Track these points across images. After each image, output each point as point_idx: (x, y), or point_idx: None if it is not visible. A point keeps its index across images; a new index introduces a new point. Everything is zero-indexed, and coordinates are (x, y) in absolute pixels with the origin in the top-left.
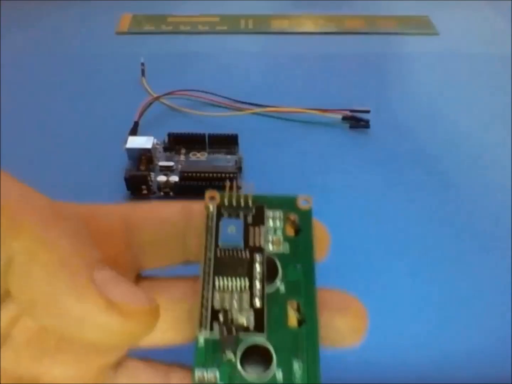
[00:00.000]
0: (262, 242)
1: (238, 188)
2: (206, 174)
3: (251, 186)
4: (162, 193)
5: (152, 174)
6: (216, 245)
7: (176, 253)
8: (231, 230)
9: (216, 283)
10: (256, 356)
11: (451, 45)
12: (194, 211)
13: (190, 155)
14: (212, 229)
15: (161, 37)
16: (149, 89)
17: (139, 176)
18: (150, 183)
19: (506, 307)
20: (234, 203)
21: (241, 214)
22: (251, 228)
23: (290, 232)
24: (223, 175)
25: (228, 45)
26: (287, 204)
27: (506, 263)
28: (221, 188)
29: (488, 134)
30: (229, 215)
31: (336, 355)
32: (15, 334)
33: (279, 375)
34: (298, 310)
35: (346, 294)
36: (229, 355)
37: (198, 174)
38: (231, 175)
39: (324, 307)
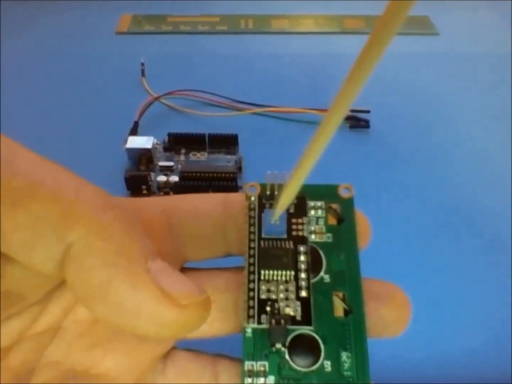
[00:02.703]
0: (305, 232)
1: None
2: (206, 174)
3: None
4: (162, 193)
5: (152, 174)
6: (260, 237)
7: (217, 245)
8: (275, 221)
9: (262, 274)
10: (304, 346)
11: (451, 45)
12: (233, 203)
13: (190, 155)
14: (255, 220)
15: (161, 37)
16: (149, 89)
17: (139, 176)
18: (150, 183)
19: (506, 307)
20: (276, 193)
21: None
22: (293, 219)
23: (332, 221)
24: (223, 175)
25: (228, 45)
26: (328, 193)
27: (506, 263)
28: (220, 189)
29: (488, 134)
30: (271, 206)
31: None
32: (66, 326)
33: (328, 365)
34: (344, 300)
35: (390, 284)
36: (278, 345)
37: (198, 174)
38: (231, 175)
39: (370, 296)
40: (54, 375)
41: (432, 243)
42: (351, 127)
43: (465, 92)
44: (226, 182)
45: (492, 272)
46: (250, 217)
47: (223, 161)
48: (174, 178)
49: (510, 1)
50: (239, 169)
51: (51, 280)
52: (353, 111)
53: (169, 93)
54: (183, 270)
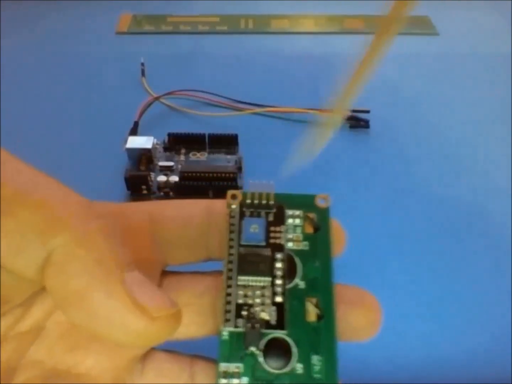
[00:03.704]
0: (283, 240)
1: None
2: (206, 174)
3: (271, 185)
4: (162, 193)
5: (152, 174)
6: (239, 243)
7: (199, 251)
8: (254, 229)
9: (240, 279)
10: (277, 349)
11: (451, 45)
12: (216, 210)
13: (190, 155)
14: (235, 228)
15: (161, 37)
16: (149, 89)
17: (139, 176)
18: (150, 183)
19: (506, 307)
20: (256, 202)
21: (263, 213)
22: (272, 227)
23: (309, 230)
24: (223, 175)
25: (228, 45)
26: (305, 202)
27: (506, 263)
28: (220, 189)
29: (488, 134)
30: (251, 214)
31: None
32: (49, 327)
33: (299, 368)
34: (317, 305)
35: (360, 289)
36: (252, 348)
37: (198, 174)
38: (231, 175)
39: (341, 301)
40: (36, 374)
41: (432, 243)
42: (351, 127)
43: (465, 92)
44: (226, 182)
45: (493, 272)
46: (230, 224)
47: (223, 161)
48: (174, 178)
49: (510, 1)
50: (239, 169)
51: (34, 284)
52: (353, 111)
53: (169, 93)
54: (164, 274)
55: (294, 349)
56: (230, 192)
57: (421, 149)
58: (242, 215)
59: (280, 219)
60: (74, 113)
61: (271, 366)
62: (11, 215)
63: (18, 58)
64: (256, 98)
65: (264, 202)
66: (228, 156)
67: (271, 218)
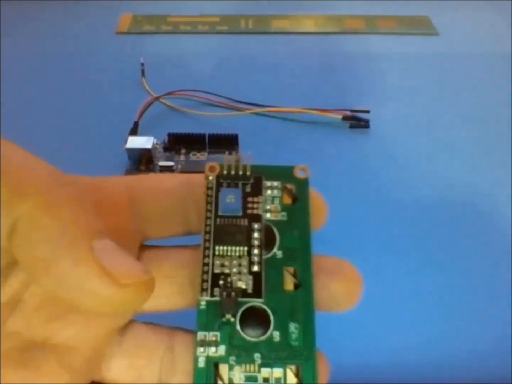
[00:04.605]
0: (260, 211)
1: (238, 159)
2: None
3: (249, 156)
4: None
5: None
6: (216, 214)
7: (178, 224)
8: (230, 199)
9: (217, 250)
10: (255, 318)
11: (451, 45)
12: (195, 183)
13: (190, 155)
14: (212, 199)
15: (161, 37)
16: (149, 89)
17: None
18: None
19: (506, 307)
20: (233, 173)
21: (240, 184)
22: (249, 198)
23: (287, 201)
24: None
25: (228, 45)
26: (284, 174)
27: (506, 263)
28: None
29: (487, 134)
30: (228, 185)
31: (335, 355)
32: (26, 298)
33: (276, 336)
34: (295, 275)
35: (340, 259)
36: (229, 317)
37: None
38: None
39: (320, 271)
40: (13, 345)
41: (431, 242)
42: (351, 127)
43: (464, 92)
44: None
45: (493, 272)
46: (207, 195)
47: (223, 161)
48: None
49: (510, 1)
50: None
51: (7, 254)
52: (353, 111)
53: (169, 93)
54: (144, 247)
55: (271, 317)
56: (208, 164)
57: (421, 149)
58: (219, 186)
59: (257, 190)
60: (74, 113)
61: (249, 335)
62: None
63: (18, 58)
64: (256, 98)
65: (241, 173)
66: (228, 156)
67: (248, 189)
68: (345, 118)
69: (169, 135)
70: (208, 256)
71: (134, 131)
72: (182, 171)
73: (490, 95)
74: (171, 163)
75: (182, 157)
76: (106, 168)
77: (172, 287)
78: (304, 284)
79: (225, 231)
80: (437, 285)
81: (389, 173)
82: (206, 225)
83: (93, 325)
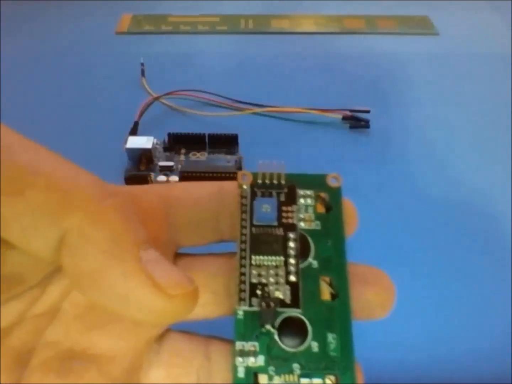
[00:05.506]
0: (295, 220)
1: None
2: (206, 174)
3: (282, 165)
4: None
5: (152, 174)
6: (251, 224)
7: (211, 232)
8: (266, 208)
9: (253, 259)
10: (293, 328)
11: (451, 45)
12: (226, 191)
13: (190, 155)
14: (247, 208)
15: (161, 37)
16: (149, 89)
17: (139, 176)
18: (150, 183)
19: (506, 308)
20: (267, 182)
21: (274, 193)
22: (284, 207)
23: (321, 209)
24: (223, 175)
25: (228, 45)
26: (317, 182)
27: (506, 263)
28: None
29: (487, 134)
30: (263, 194)
31: None
32: (65, 308)
33: (315, 346)
34: (331, 284)
35: (377, 269)
36: (267, 327)
37: (198, 174)
38: (231, 175)
39: (356, 280)
40: (53, 354)
41: (431, 243)
42: (351, 127)
43: (464, 92)
44: None
45: (492, 272)
46: (242, 204)
47: (223, 161)
48: (174, 178)
49: (510, 1)
50: (239, 169)
51: (49, 264)
52: (353, 111)
53: (169, 93)
54: (177, 256)
55: (309, 328)
56: (241, 173)
57: (421, 149)
58: (253, 195)
59: (291, 199)
60: (74, 113)
61: (287, 345)
62: (22, 196)
63: (18, 58)
64: (256, 98)
65: (275, 182)
66: (228, 156)
67: (282, 198)
68: (345, 118)
69: (169, 135)
70: (245, 266)
71: (134, 131)
72: (182, 171)
73: (490, 95)
74: (171, 163)
75: (182, 157)
76: (106, 168)
77: (207, 296)
78: (341, 294)
79: (261, 241)
80: (436, 284)
81: (389, 173)
82: (241, 234)
83: (133, 335)
